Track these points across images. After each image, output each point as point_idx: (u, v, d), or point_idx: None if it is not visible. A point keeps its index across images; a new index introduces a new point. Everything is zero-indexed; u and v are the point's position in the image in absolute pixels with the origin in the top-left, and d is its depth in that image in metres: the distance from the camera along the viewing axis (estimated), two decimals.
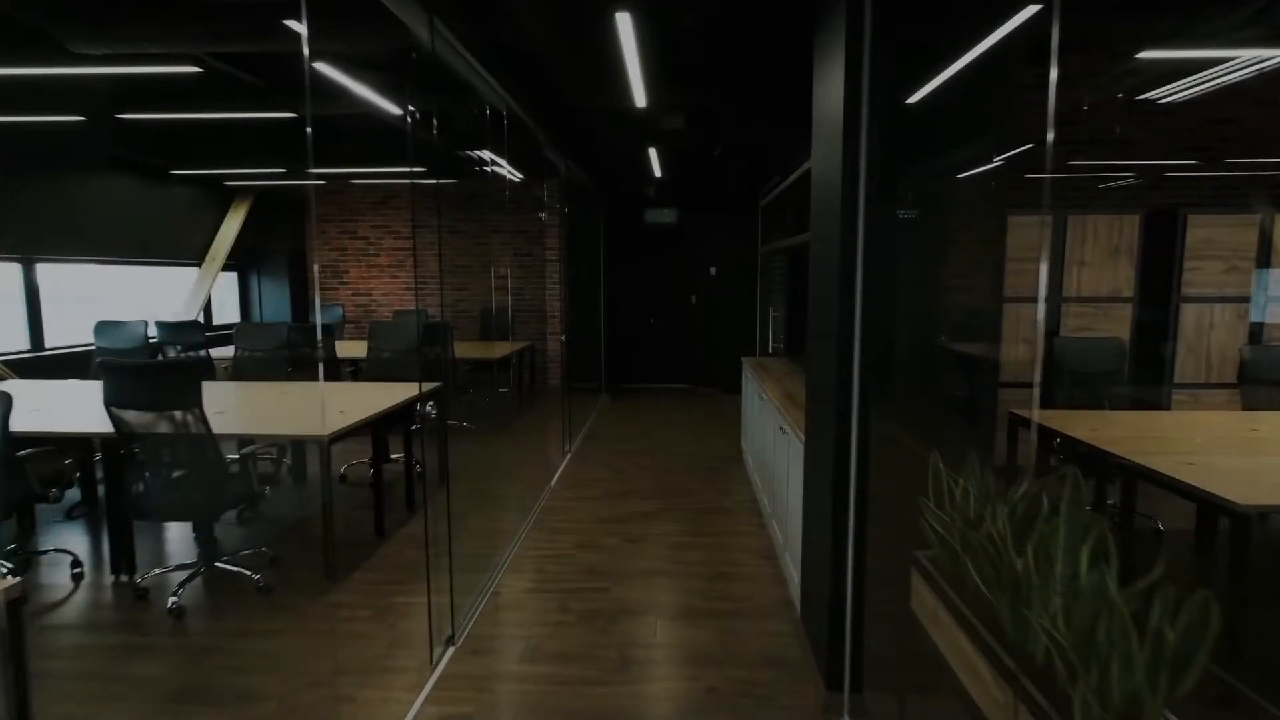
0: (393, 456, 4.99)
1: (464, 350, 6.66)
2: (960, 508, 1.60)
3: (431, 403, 4.39)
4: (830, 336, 2.16)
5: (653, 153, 5.81)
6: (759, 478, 4.23)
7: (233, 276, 8.04)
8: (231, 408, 3.71)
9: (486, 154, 5.09)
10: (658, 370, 8.76)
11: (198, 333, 5.75)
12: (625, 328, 8.68)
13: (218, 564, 3.16)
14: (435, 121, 2.97)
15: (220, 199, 7.46)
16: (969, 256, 3.27)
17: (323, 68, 3.72)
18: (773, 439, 3.57)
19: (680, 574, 3.27)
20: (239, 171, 6.94)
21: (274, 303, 8.19)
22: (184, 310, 6.96)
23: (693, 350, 8.59)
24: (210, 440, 2.78)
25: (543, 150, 4.46)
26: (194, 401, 2.74)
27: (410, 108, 4.04)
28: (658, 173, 6.68)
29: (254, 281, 8.15)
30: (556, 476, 4.87)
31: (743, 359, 5.22)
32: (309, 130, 5.08)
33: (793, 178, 3.74)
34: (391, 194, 8.33)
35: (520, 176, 7.17)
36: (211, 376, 5.53)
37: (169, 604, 2.85)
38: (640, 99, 4.05)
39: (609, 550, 3.55)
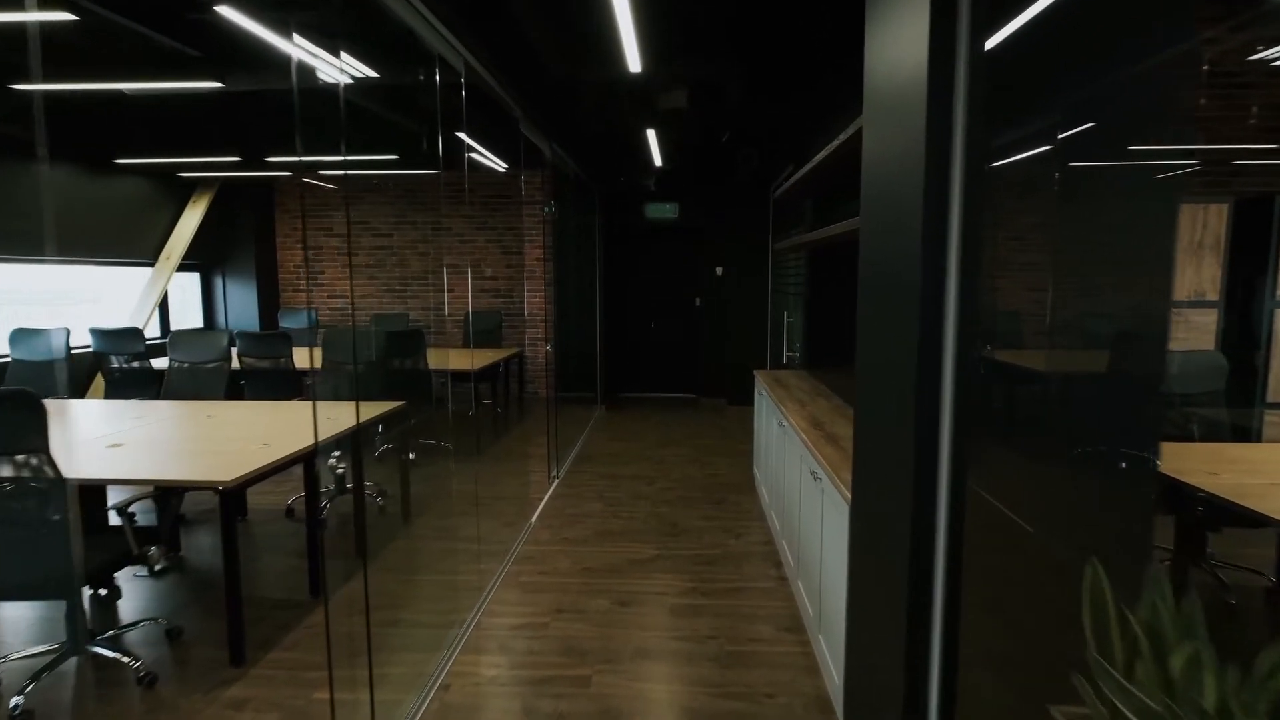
0: (347, 487, 4.31)
1: (443, 360, 5.98)
2: (1150, 674, 0.92)
3: (337, 456, 3.68)
4: (899, 370, 1.47)
5: (651, 137, 5.13)
6: (776, 517, 3.54)
7: (194, 277, 7.38)
8: (137, 439, 3.04)
9: (451, 134, 4.42)
10: (658, 379, 8.08)
11: (137, 341, 5.09)
12: (623, 333, 8.00)
13: (92, 647, 2.49)
14: (379, 87, 2.29)
15: (177, 192, 6.80)
16: (1109, 253, 2.59)
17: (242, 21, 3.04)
18: (797, 480, 2.89)
19: (682, 655, 2.58)
20: (191, 160, 6.27)
21: (241, 306, 7.53)
22: (134, 314, 6.30)
23: (696, 358, 7.90)
24: (58, 492, 2.10)
25: (519, 126, 3.78)
26: (36, 444, 2.07)
27: (343, 68, 3.36)
28: (658, 161, 6.00)
29: (219, 283, 7.49)
30: (539, 510, 4.19)
31: (755, 373, 4.54)
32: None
33: (818, 159, 3.06)
34: (370, 187, 7.67)
35: (504, 166, 6.48)
36: (155, 393, 4.88)
37: (11, 709, 2.18)
38: (634, 63, 3.37)
39: (594, 617, 2.86)
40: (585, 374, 7.26)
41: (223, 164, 6.36)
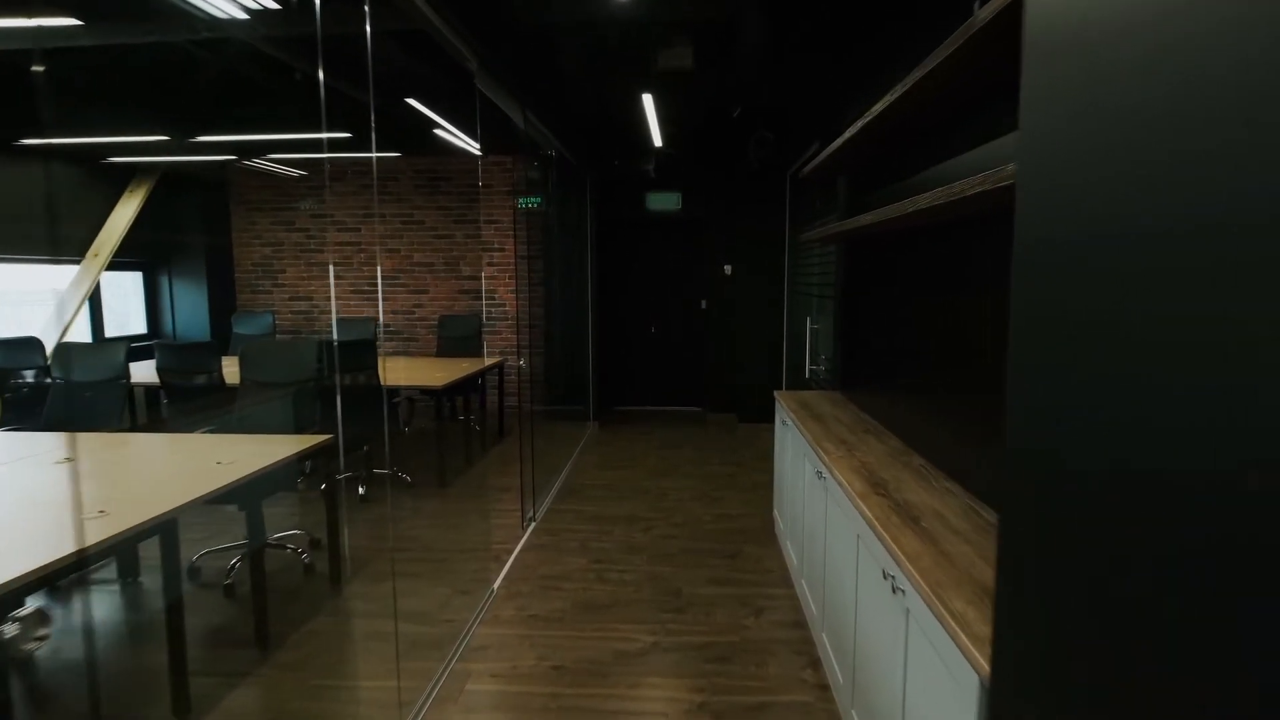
0: (272, 540, 3.46)
1: (408, 372, 5.14)
2: None
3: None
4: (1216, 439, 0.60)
5: (650, 107, 4.26)
6: (811, 598, 2.68)
7: (136, 277, 6.55)
8: None
9: (401, 102, 3.57)
10: (659, 391, 7.22)
11: (34, 353, 4.25)
12: (619, 339, 7.14)
13: None
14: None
15: (109, 180, 5.97)
16: None
17: None
18: (851, 565, 2.03)
19: None
20: (116, 141, 5.44)
21: (191, 309, 6.69)
22: (52, 321, 5.47)
23: (702, 368, 7.04)
24: None
25: (474, 82, 2.93)
26: None
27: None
28: (657, 141, 5.15)
29: (164, 283, 6.66)
30: (507, 568, 3.34)
31: (776, 395, 3.68)
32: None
33: (877, 110, 2.21)
34: (335, 175, 6.83)
35: (476, 147, 5.63)
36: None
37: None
38: None
39: None
40: (575, 386, 6.41)
41: (152, 146, 5.52)
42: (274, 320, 6.52)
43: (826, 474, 2.35)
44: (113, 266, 6.09)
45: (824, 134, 4.31)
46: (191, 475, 2.47)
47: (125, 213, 5.98)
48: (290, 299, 6.99)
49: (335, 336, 6.25)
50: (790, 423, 3.18)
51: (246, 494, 2.62)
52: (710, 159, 6.33)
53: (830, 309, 4.19)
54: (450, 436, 5.81)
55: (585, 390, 6.46)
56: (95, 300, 5.96)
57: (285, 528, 3.73)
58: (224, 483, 2.37)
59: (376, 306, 6.94)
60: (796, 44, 3.41)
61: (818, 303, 4.69)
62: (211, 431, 3.38)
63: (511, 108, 3.57)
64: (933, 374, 2.27)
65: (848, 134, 2.65)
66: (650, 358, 7.17)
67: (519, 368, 3.97)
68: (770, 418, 6.66)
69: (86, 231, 5.82)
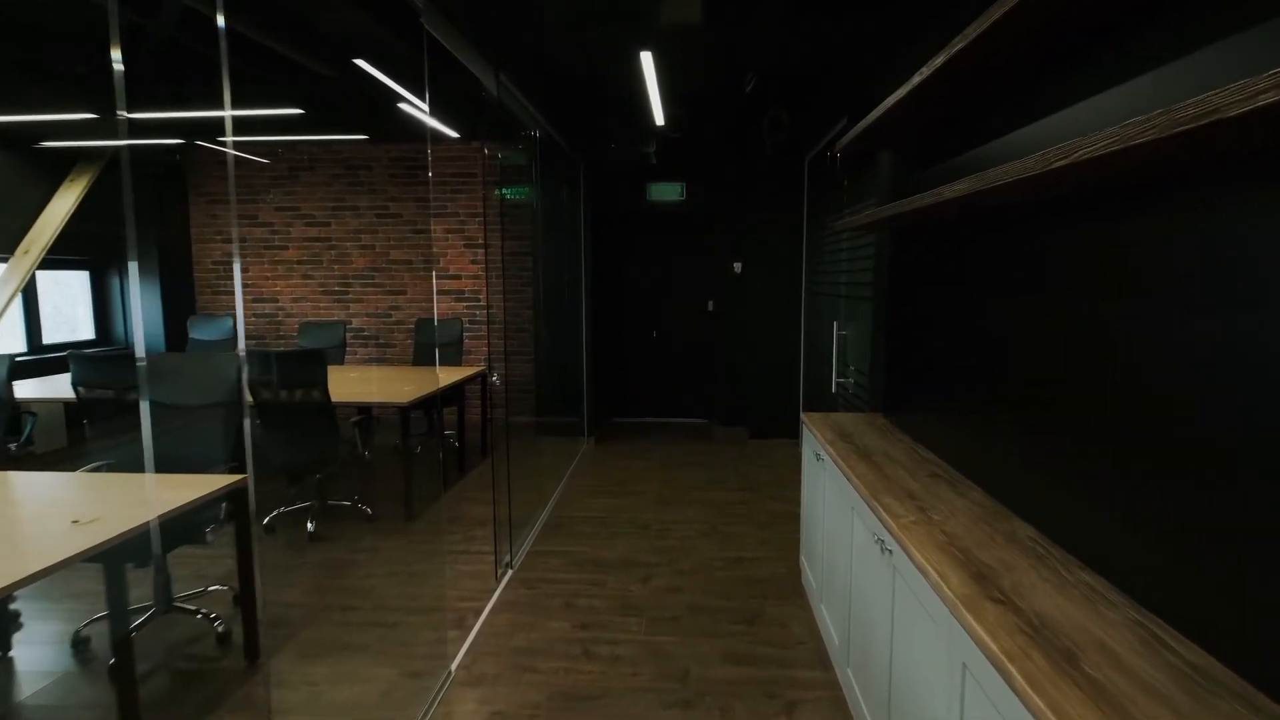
0: (176, 603, 2.81)
1: (378, 385, 4.49)
2: None
3: None
4: None
5: (650, 75, 3.60)
6: (865, 701, 2.02)
7: (83, 277, 5.91)
8: None
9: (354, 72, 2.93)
10: (662, 401, 6.56)
11: None
12: (618, 344, 6.49)
13: None
14: None
15: (44, 167, 5.32)
16: None
17: None
18: (952, 701, 1.36)
19: None
20: (33, 119, 4.79)
21: (144, 311, 6.05)
22: None
23: (709, 375, 6.38)
24: None
25: (420, 20, 2.26)
26: None
27: None
28: (658, 118, 4.48)
29: (115, 284, 6.01)
30: (472, 637, 2.68)
31: (805, 419, 3.01)
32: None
33: (910, 87, 1.58)
34: (302, 164, 6.18)
35: (427, 111, 4.96)
36: None
37: None
38: None
39: None
40: (568, 396, 5.75)
41: (78, 126, 4.88)
42: (234, 324, 5.86)
43: (895, 547, 1.69)
44: (51, 265, 5.47)
45: (855, 107, 3.65)
46: (20, 542, 1.82)
47: (63, 204, 5.33)
48: (254, 300, 6.34)
49: (242, 344, 5.59)
50: (826, 458, 2.51)
51: (114, 557, 1.97)
52: (718, 144, 5.67)
53: (865, 312, 3.53)
54: (425, 457, 5.16)
55: (579, 402, 5.80)
56: (31, 302, 5.33)
57: (211, 577, 3.08)
58: (57, 558, 1.72)
59: (347, 309, 6.29)
60: None
61: (847, 305, 4.02)
62: (101, 468, 2.73)
63: (481, 68, 2.91)
64: (1045, 403, 1.60)
65: (901, 93, 2.00)
66: (651, 365, 6.51)
67: (493, 384, 3.31)
68: (786, 433, 6.09)
69: (18, 225, 5.18)
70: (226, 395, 2.80)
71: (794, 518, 3.97)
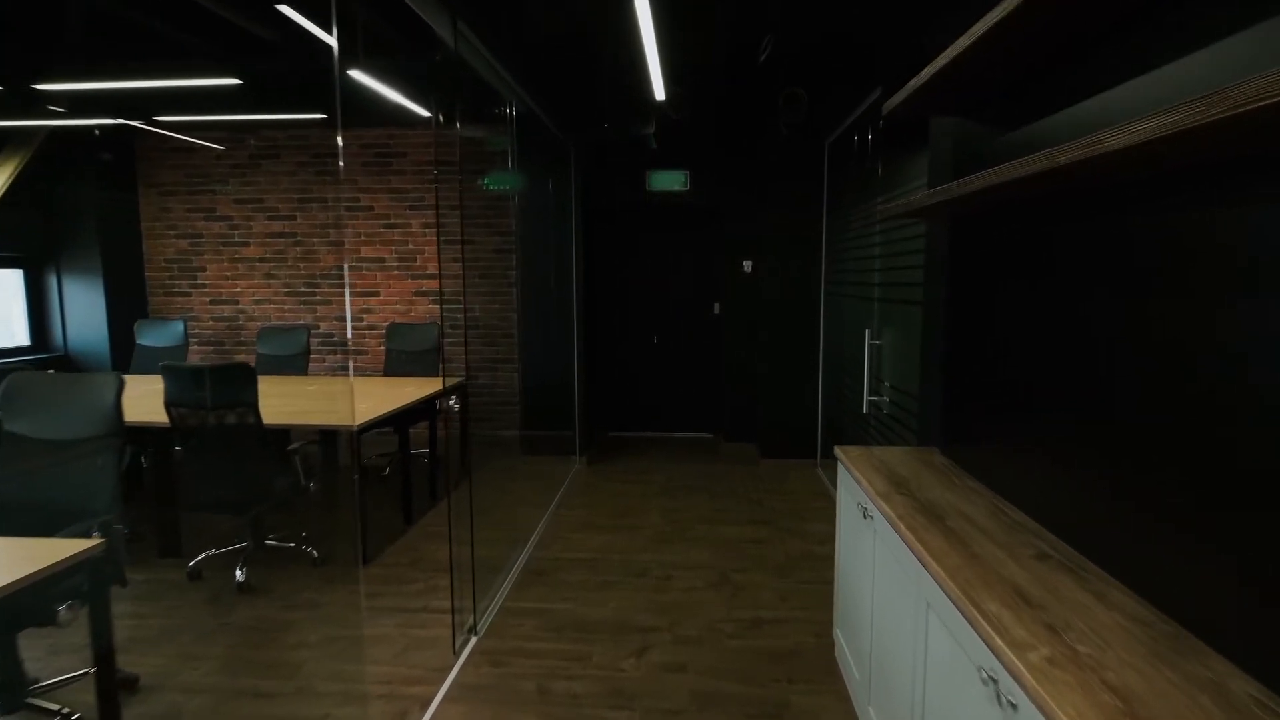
0: (31, 698, 2.19)
1: (337, 400, 3.89)
2: None
3: None
4: None
5: (648, 31, 2.97)
6: None
7: (16, 275, 5.32)
8: None
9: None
10: (663, 413, 5.94)
11: None
12: (614, 350, 5.88)
13: None
14: None
15: None
16: None
17: None
18: None
19: None
20: None
21: (85, 314, 5.45)
22: None
23: (716, 385, 5.77)
24: None
25: None
26: None
27: None
28: (659, 90, 3.86)
29: (52, 283, 5.42)
30: None
31: (839, 452, 2.39)
32: None
33: (994, 20, 0.97)
34: (267, 152, 5.57)
35: (426, 113, 4.34)
36: None
37: None
38: None
39: None
40: (558, 409, 5.14)
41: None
42: (186, 329, 5.25)
43: (1027, 704, 1.07)
44: None
45: (894, 71, 3.03)
46: None
47: None
48: (211, 302, 5.74)
49: (299, 348, 4.98)
50: (879, 517, 1.89)
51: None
52: (727, 126, 5.04)
53: (911, 318, 2.91)
54: (394, 479, 4.55)
55: (570, 415, 5.18)
56: None
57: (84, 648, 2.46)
58: None
59: (314, 311, 5.68)
60: None
61: (882, 309, 3.39)
62: None
63: (433, 11, 2.29)
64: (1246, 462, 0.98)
65: (981, 29, 1.39)
66: (652, 374, 5.90)
67: (452, 409, 2.70)
68: (802, 451, 5.21)
69: None
70: (105, 427, 2.19)
71: (819, 561, 3.35)
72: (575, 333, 5.04)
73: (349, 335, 5.67)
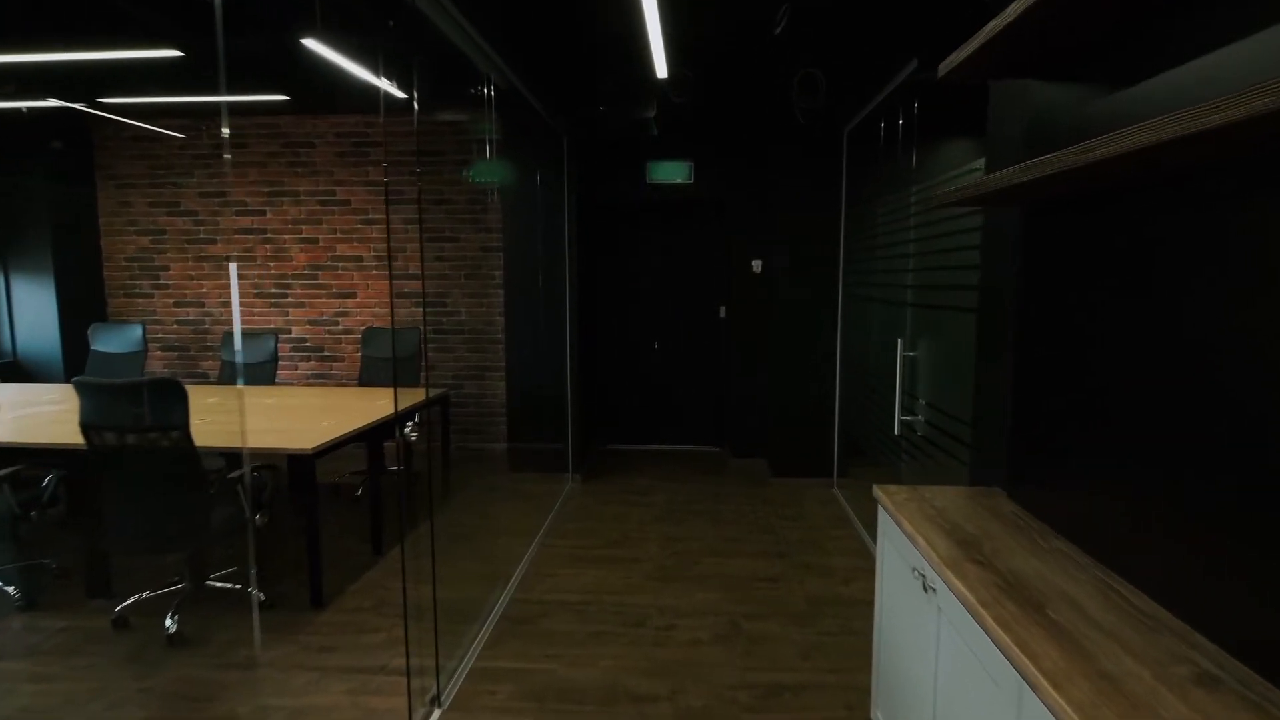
0: None
1: (298, 415, 3.46)
2: None
3: None
4: None
5: None
6: None
7: None
8: None
9: None
10: (664, 425, 5.50)
11: None
12: (612, 357, 5.44)
13: None
14: None
15: None
16: None
17: None
18: None
19: None
20: None
21: (35, 317, 5.02)
22: None
23: (721, 395, 5.33)
24: None
25: None
26: None
27: None
28: (660, 67, 3.42)
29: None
30: None
31: (879, 493, 1.94)
32: None
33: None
34: (234, 141, 5.14)
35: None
36: None
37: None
38: None
39: None
40: (550, 421, 4.69)
41: None
42: (145, 334, 4.81)
43: None
44: None
45: (937, 37, 2.59)
46: None
47: None
48: (175, 304, 5.30)
49: (267, 355, 4.54)
50: (945, 590, 1.45)
51: None
52: (735, 112, 4.60)
53: (960, 327, 2.46)
54: (365, 504, 4.10)
55: (563, 427, 4.73)
56: None
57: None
58: None
59: (286, 314, 5.24)
60: None
61: (917, 315, 2.95)
62: None
63: None
64: None
65: (967, 52, 0.94)
66: (653, 382, 5.46)
67: (399, 439, 2.28)
68: (817, 469, 4.62)
69: None
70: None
71: (845, 606, 2.90)
72: (568, 337, 4.60)
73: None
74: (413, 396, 4.11)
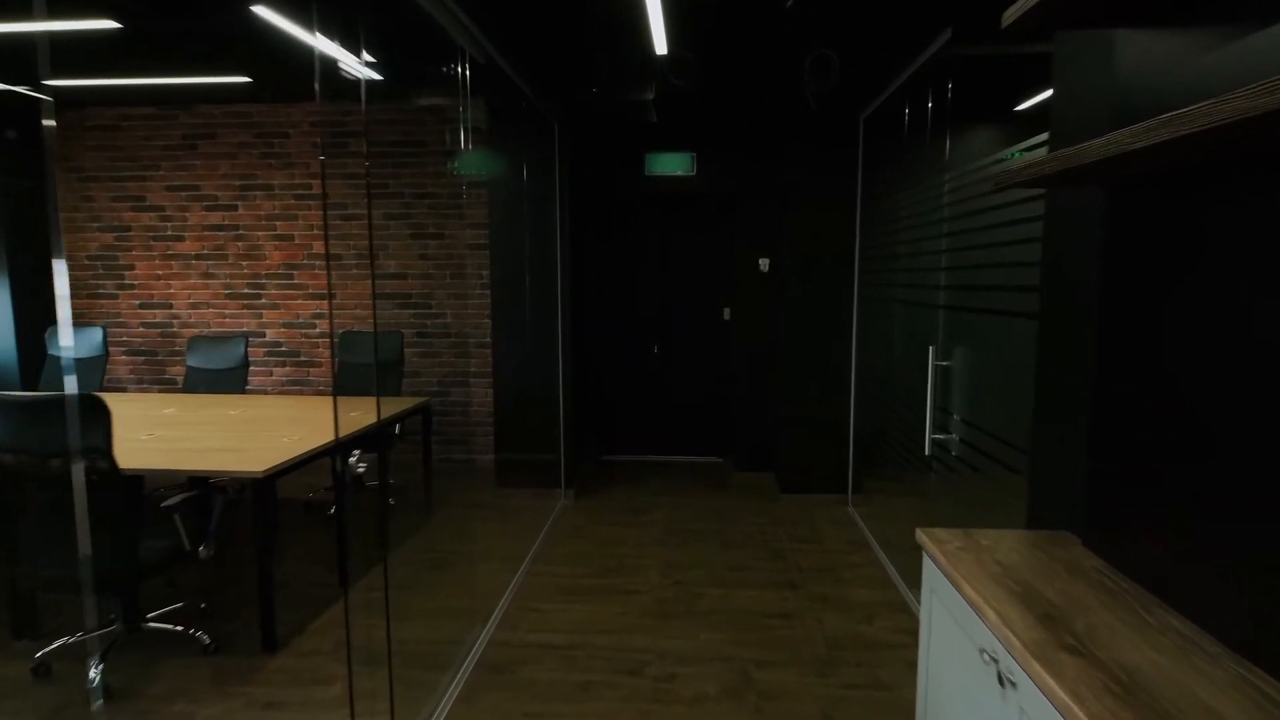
0: None
1: (258, 430, 3.11)
2: None
3: None
4: None
5: None
6: None
7: None
8: None
9: None
10: (664, 434, 5.15)
11: None
12: (608, 361, 5.09)
13: None
14: None
15: None
16: None
17: None
18: None
19: None
20: None
21: None
22: None
23: (725, 403, 4.98)
24: None
25: None
26: None
27: None
28: (659, 42, 3.07)
29: None
30: None
31: (924, 540, 1.59)
32: None
33: None
34: (202, 130, 4.79)
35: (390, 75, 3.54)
36: None
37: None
38: None
39: None
40: (542, 431, 4.34)
41: None
42: (106, 337, 4.47)
43: None
44: None
45: (975, 4, 2.25)
46: None
47: None
48: (140, 306, 4.95)
49: (235, 361, 4.20)
50: (1028, 684, 1.09)
51: None
52: (741, 98, 4.25)
53: (1005, 333, 2.11)
54: (325, 530, 3.75)
55: (555, 439, 4.38)
56: None
57: None
58: None
59: (260, 316, 4.90)
60: None
61: (952, 320, 2.60)
62: None
63: None
64: None
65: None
66: (651, 388, 5.11)
67: (352, 470, 1.95)
68: (830, 485, 4.15)
69: None
70: None
71: (869, 650, 2.55)
72: (560, 341, 4.25)
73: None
74: (394, 406, 3.77)
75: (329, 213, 4.78)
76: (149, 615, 2.64)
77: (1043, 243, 1.77)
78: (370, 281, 4.80)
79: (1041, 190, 1.81)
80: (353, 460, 2.03)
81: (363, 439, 3.32)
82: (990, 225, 2.22)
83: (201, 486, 2.65)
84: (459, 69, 2.61)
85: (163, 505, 2.38)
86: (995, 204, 2.18)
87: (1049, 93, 1.76)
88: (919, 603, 2.91)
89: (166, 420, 3.33)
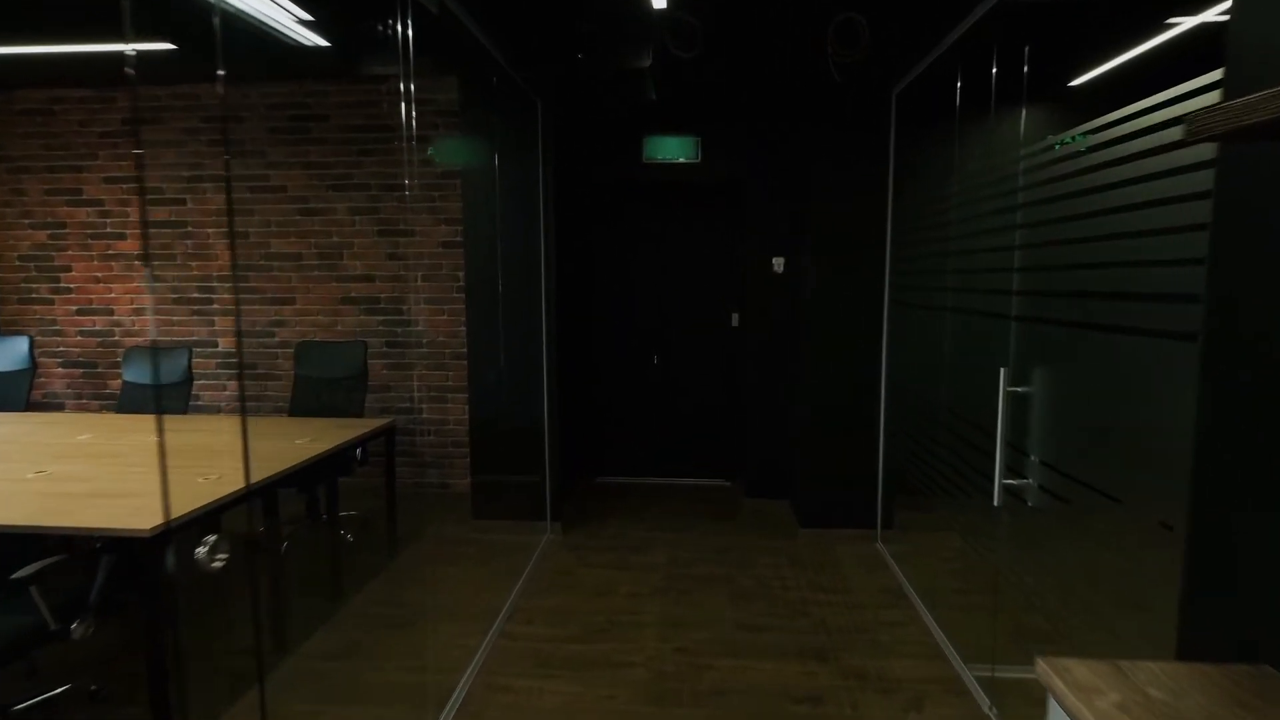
0: None
1: (177, 463, 2.59)
2: None
3: None
4: None
5: None
6: None
7: None
8: None
9: None
10: (664, 454, 4.61)
11: None
12: (601, 372, 4.55)
13: None
14: None
15: None
16: None
17: None
18: None
19: None
20: None
21: None
22: None
23: (733, 420, 4.44)
24: None
25: None
26: None
27: None
28: None
29: None
30: None
31: (1048, 673, 1.04)
32: None
33: None
34: (145, 114, 4.26)
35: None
36: None
37: None
38: None
39: None
40: (524, 453, 3.79)
41: None
42: (33, 348, 3.94)
43: None
44: None
45: None
46: None
47: None
48: (78, 312, 4.43)
49: (180, 375, 3.67)
50: None
51: None
52: (754, 74, 3.70)
53: (1117, 356, 1.57)
54: (292, 561, 3.20)
55: (539, 462, 3.82)
56: None
57: None
58: None
59: (211, 324, 4.37)
60: None
61: (1032, 335, 2.04)
62: None
63: None
64: None
65: None
66: (650, 403, 4.57)
67: (203, 563, 1.49)
68: (858, 520, 3.60)
69: None
70: None
71: None
72: (545, 349, 3.71)
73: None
74: (356, 428, 3.24)
75: (288, 207, 4.24)
76: (14, 706, 2.10)
77: (1211, 232, 1.22)
78: (334, 283, 4.27)
79: (1195, 161, 1.26)
80: (201, 550, 1.46)
81: (308, 472, 2.78)
82: (1096, 212, 1.67)
83: (83, 544, 2.11)
84: (399, 27, 2.07)
85: (13, 578, 1.84)
86: (1106, 183, 1.63)
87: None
88: (977, 684, 2.36)
89: (74, 450, 2.80)
